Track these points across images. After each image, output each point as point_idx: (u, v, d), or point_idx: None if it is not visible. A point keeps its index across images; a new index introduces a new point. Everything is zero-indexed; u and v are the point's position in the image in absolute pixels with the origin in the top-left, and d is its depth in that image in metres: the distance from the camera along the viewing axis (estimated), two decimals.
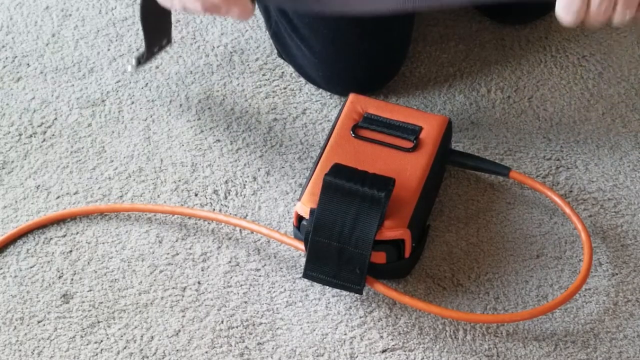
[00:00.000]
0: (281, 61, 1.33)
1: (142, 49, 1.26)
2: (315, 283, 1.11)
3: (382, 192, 1.05)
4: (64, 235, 1.18)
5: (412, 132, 1.14)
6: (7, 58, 1.36)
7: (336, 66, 1.25)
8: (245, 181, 1.22)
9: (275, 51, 1.34)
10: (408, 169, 1.11)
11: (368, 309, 1.10)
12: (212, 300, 1.12)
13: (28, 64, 1.35)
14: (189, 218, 1.18)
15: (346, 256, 1.06)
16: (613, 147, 1.23)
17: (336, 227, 1.05)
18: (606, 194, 1.19)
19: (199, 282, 1.13)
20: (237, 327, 1.10)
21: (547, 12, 1.35)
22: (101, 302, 1.12)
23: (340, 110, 1.18)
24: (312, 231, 1.06)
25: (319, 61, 1.25)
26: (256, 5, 1.29)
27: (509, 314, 1.09)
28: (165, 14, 1.24)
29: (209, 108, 1.29)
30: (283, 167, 1.23)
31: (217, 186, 1.21)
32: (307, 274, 1.09)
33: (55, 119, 1.29)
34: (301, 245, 1.10)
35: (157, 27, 1.25)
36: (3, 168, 1.24)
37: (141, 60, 1.26)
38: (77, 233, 1.18)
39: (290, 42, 1.27)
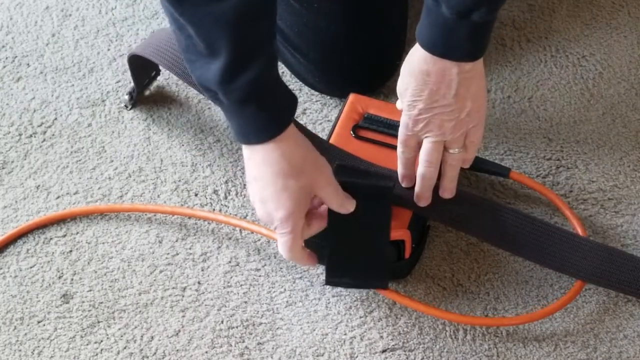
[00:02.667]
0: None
1: (132, 83, 1.27)
2: (315, 283, 1.11)
3: (390, 182, 1.05)
4: (64, 235, 1.18)
5: None
6: (7, 58, 1.36)
7: (331, 71, 1.25)
8: (246, 181, 1.22)
9: None
10: None
11: (368, 309, 1.10)
12: (212, 300, 1.12)
13: (28, 64, 1.35)
14: (189, 218, 1.18)
15: (364, 256, 1.06)
16: (613, 147, 1.23)
17: (350, 231, 1.04)
18: (606, 193, 1.19)
19: (199, 282, 1.13)
20: (237, 327, 1.09)
21: None
22: (101, 302, 1.12)
23: (341, 111, 1.18)
24: (328, 241, 1.05)
25: (314, 67, 1.25)
26: None
27: (507, 318, 1.08)
28: (151, 63, 1.24)
29: (208, 108, 1.29)
30: None
31: (217, 186, 1.21)
32: (329, 281, 1.07)
33: (55, 119, 1.29)
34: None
35: (144, 66, 1.26)
36: (3, 168, 1.24)
37: (133, 95, 1.27)
38: (77, 233, 1.18)
39: (285, 51, 1.27)
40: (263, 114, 0.98)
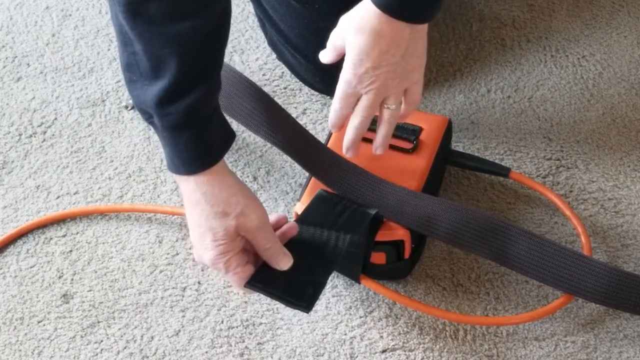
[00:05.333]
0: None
1: None
2: None
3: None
4: (64, 235, 1.18)
5: (412, 133, 1.14)
6: (7, 58, 1.36)
7: (331, 71, 1.25)
8: (245, 181, 1.22)
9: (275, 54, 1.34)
10: (408, 170, 1.11)
11: (368, 309, 1.10)
12: (212, 300, 1.12)
13: (28, 64, 1.35)
14: None
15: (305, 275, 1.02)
16: (613, 147, 1.23)
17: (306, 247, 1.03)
18: (606, 193, 1.19)
19: (199, 282, 1.13)
20: (237, 327, 1.10)
21: None
22: (101, 302, 1.12)
23: None
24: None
25: (315, 68, 1.25)
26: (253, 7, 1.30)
27: (507, 317, 1.08)
28: None
29: None
30: (283, 167, 1.23)
31: None
32: (250, 284, 1.00)
33: (55, 119, 1.29)
34: None
35: None
36: (3, 168, 1.24)
37: None
38: (77, 233, 1.18)
39: (285, 51, 1.27)
40: (193, 145, 0.95)
